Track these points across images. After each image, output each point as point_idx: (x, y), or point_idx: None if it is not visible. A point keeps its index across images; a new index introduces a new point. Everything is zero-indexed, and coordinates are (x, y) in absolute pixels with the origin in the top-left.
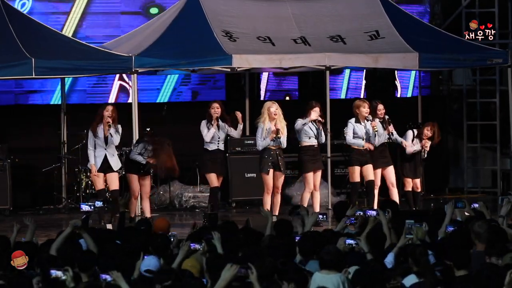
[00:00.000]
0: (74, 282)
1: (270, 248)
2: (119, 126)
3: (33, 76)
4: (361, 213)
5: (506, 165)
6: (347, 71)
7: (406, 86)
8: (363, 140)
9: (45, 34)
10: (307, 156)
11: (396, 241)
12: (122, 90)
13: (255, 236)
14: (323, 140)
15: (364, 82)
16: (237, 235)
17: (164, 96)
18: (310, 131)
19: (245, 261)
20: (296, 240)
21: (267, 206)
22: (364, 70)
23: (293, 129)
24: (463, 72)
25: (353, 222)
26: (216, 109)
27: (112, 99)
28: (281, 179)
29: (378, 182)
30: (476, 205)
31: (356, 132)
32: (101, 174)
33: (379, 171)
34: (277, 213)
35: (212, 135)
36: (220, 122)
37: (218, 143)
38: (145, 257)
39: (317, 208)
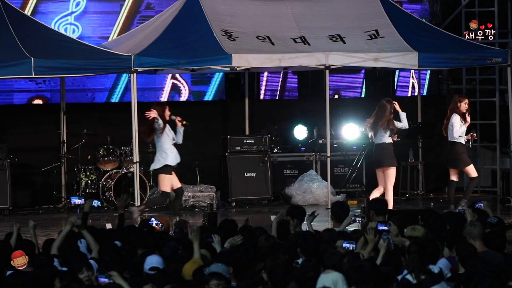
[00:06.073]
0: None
1: (272, 248)
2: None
3: (32, 76)
4: (361, 219)
5: (506, 165)
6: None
7: (407, 85)
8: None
9: (45, 33)
10: None
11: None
12: (175, 88)
13: (255, 235)
14: None
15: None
16: (237, 233)
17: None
18: None
19: (247, 260)
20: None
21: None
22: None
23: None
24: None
25: (359, 220)
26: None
27: (165, 97)
28: None
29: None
30: (480, 205)
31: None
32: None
33: None
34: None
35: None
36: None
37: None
38: (148, 256)
39: None
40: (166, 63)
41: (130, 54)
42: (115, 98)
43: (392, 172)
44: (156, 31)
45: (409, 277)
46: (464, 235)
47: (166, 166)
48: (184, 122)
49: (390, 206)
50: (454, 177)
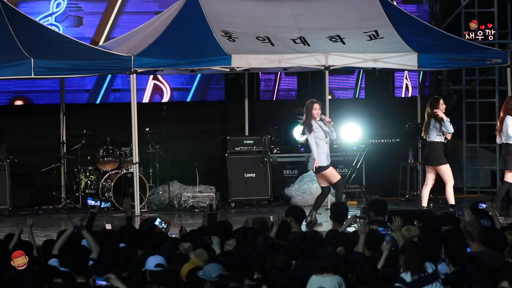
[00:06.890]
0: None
1: (271, 248)
2: None
3: (32, 76)
4: (361, 220)
5: None
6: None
7: (401, 85)
8: None
9: (44, 34)
10: None
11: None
12: (156, 89)
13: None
14: None
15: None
16: (232, 234)
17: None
18: None
19: (245, 259)
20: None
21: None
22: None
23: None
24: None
25: (360, 220)
26: None
27: (146, 98)
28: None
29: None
30: (483, 205)
31: None
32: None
33: None
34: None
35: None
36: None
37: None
38: (150, 257)
39: None
40: (165, 63)
41: (129, 54)
42: (98, 99)
43: (444, 170)
44: (156, 32)
45: (403, 275)
46: (463, 235)
47: (319, 167)
48: (332, 123)
49: (452, 202)
50: (509, 178)
